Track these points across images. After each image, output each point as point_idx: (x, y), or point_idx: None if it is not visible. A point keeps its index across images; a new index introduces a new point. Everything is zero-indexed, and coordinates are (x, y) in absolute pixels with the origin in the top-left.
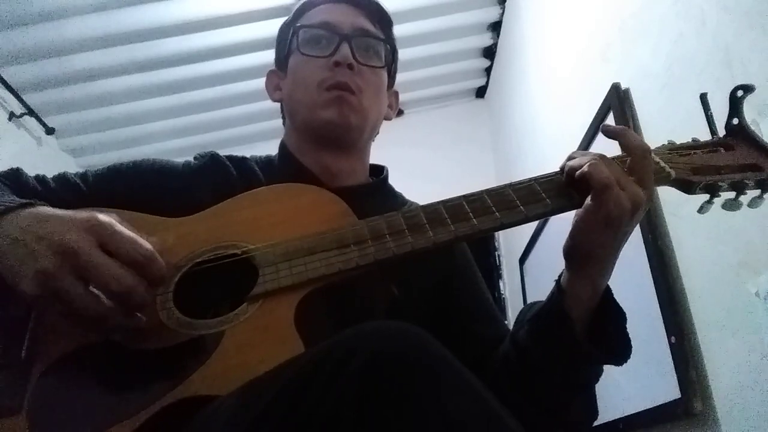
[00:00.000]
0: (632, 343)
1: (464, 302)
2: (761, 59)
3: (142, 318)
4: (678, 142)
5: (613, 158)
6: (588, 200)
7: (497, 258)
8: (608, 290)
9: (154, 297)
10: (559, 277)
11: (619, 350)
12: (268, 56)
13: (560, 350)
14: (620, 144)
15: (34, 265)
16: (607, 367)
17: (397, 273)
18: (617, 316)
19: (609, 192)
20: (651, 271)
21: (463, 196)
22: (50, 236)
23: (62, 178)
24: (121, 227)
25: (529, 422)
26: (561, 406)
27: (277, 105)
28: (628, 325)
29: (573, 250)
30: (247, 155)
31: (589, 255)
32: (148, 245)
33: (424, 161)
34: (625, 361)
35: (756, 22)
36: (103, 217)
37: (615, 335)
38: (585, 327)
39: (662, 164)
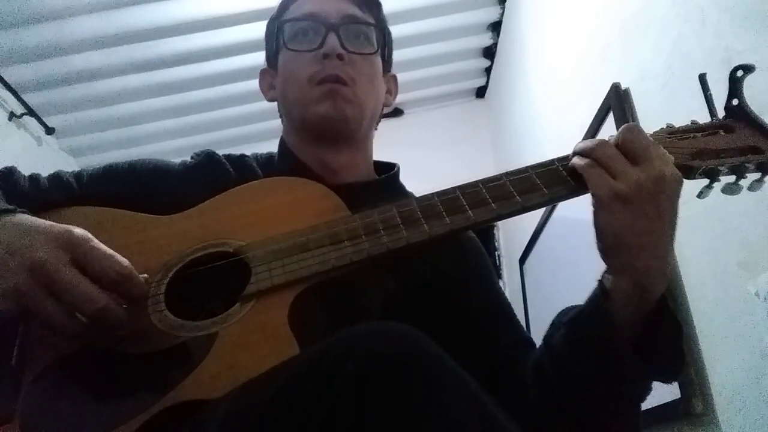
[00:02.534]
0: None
1: (479, 302)
2: (761, 59)
3: (121, 331)
4: (677, 125)
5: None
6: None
7: (497, 258)
8: (663, 299)
9: (141, 309)
10: (603, 276)
11: (669, 366)
12: None
13: (599, 357)
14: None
15: (4, 281)
16: None
17: (393, 267)
18: (670, 327)
19: (588, 172)
20: None
21: (459, 187)
22: (22, 251)
23: (56, 178)
24: (96, 243)
25: None
26: (600, 424)
27: (275, 105)
28: None
29: (598, 242)
30: (248, 153)
31: (612, 242)
32: (124, 262)
33: (424, 161)
34: (676, 379)
35: (756, 22)
36: (79, 231)
37: (665, 348)
38: (631, 336)
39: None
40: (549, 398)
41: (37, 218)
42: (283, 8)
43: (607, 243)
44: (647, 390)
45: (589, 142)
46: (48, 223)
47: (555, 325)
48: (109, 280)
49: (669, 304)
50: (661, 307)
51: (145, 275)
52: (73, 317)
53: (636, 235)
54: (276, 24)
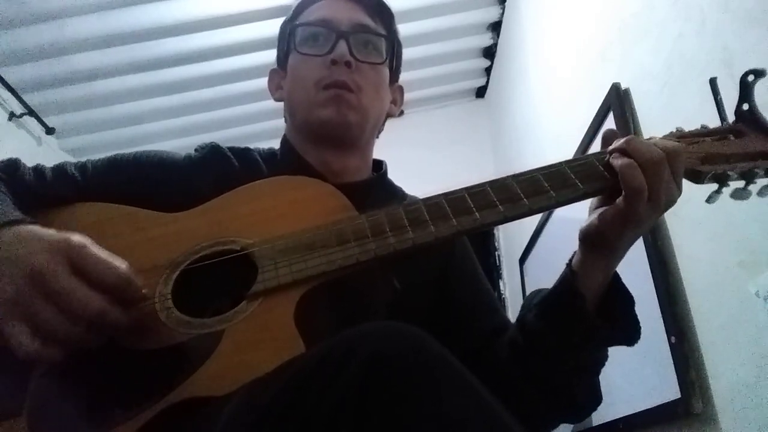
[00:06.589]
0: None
1: (462, 293)
2: (761, 59)
3: (120, 333)
4: (687, 129)
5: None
6: (620, 200)
7: (497, 258)
8: (616, 275)
9: (148, 306)
10: (570, 260)
11: (629, 332)
12: (268, 56)
13: (572, 329)
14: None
15: (3, 290)
16: (607, 368)
17: (398, 266)
18: (626, 299)
19: (639, 197)
20: (651, 271)
21: (466, 188)
22: (21, 259)
23: (60, 170)
24: (94, 248)
25: (535, 406)
26: (567, 388)
27: (276, 105)
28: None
29: (596, 238)
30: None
31: (610, 244)
32: (122, 267)
33: (424, 161)
34: (636, 342)
35: (756, 22)
36: (77, 238)
37: (624, 317)
38: (595, 310)
39: None
40: (521, 370)
41: (37, 227)
42: (297, 12)
43: (603, 242)
44: (605, 357)
45: (650, 150)
46: (47, 230)
47: (526, 306)
48: (107, 285)
49: (620, 279)
50: (615, 280)
51: (145, 290)
52: (68, 324)
53: (634, 238)
54: (289, 26)
